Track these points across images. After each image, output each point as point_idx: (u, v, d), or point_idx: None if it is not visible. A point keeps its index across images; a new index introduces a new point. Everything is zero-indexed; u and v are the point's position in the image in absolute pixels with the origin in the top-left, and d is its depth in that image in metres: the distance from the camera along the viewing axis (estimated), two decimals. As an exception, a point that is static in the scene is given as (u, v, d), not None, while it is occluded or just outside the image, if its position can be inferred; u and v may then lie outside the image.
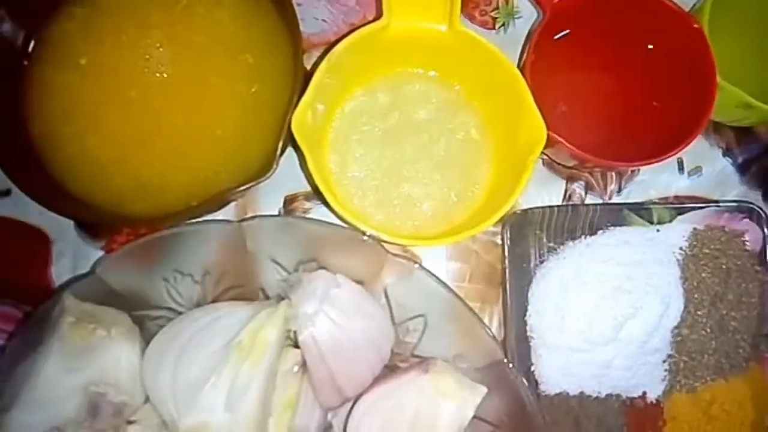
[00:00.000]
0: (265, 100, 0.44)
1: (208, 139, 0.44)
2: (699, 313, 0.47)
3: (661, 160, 0.44)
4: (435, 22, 0.43)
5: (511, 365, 0.43)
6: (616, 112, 0.49)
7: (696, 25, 0.44)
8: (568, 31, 0.48)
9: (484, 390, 0.42)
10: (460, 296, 0.43)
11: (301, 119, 0.40)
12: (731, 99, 0.44)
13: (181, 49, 0.44)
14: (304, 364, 0.43)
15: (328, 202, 0.41)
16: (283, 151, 0.40)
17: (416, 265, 0.43)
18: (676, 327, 0.47)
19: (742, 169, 0.52)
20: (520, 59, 0.49)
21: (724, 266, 0.48)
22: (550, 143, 0.43)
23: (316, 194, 0.49)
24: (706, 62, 0.43)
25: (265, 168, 0.39)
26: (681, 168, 0.51)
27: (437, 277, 0.43)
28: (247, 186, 0.39)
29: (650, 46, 0.48)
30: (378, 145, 0.47)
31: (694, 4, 0.50)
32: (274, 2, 0.44)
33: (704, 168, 0.51)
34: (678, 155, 0.46)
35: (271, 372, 0.42)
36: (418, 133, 0.48)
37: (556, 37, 0.48)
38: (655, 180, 0.51)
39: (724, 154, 0.52)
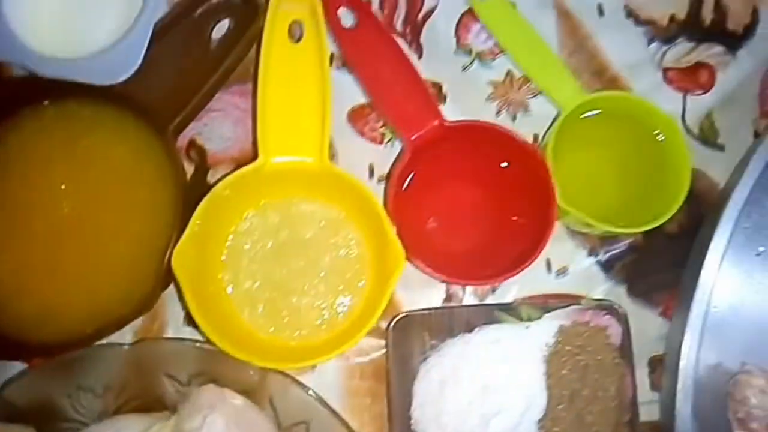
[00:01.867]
0: (154, 232, 0.48)
1: (104, 269, 0.48)
2: (559, 407, 0.51)
3: (516, 273, 0.49)
4: (306, 156, 0.49)
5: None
6: (483, 225, 0.54)
7: (539, 157, 0.50)
8: (413, 173, 0.52)
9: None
10: (334, 410, 0.48)
11: (181, 255, 0.45)
12: (575, 218, 0.50)
13: (80, 187, 0.49)
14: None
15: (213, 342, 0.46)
16: (166, 286, 0.45)
17: (292, 383, 0.47)
18: (540, 420, 0.51)
19: (607, 267, 0.56)
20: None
21: (582, 362, 0.52)
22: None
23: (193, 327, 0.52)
24: (548, 189, 0.49)
25: (148, 304, 0.44)
26: (549, 268, 0.56)
27: (314, 392, 0.48)
28: (132, 319, 0.44)
29: (503, 164, 0.53)
30: (269, 261, 0.52)
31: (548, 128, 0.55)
32: (160, 141, 0.49)
33: (570, 267, 0.56)
34: (539, 259, 0.50)
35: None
36: (305, 249, 0.53)
37: (404, 186, 0.52)
38: (526, 280, 0.55)
39: (589, 254, 0.56)
